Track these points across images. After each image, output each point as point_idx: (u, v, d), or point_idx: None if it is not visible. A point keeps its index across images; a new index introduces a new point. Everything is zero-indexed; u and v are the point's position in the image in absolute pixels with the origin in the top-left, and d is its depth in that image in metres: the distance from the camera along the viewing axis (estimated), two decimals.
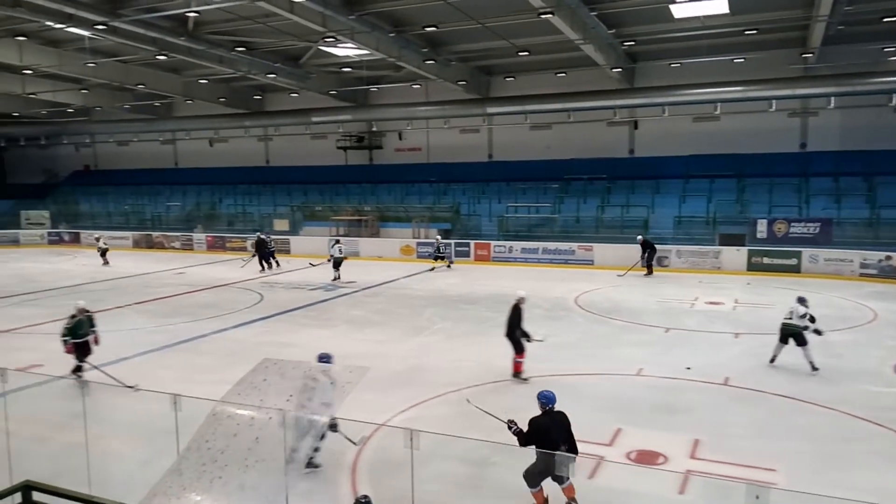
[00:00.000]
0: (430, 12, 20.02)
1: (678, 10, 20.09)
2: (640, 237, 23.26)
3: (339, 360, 7.91)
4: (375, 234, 29.98)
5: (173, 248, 32.90)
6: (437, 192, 32.19)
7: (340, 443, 8.01)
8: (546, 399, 6.98)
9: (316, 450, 7.35)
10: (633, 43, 23.64)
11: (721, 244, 24.01)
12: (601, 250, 24.97)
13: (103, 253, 27.95)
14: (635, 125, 29.43)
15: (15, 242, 36.87)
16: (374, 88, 30.96)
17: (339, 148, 35.00)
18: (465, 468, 7.73)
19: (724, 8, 19.76)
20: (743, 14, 20.54)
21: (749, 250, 23.19)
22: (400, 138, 34.18)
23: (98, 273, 25.21)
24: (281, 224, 32.32)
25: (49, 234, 37.52)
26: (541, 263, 25.47)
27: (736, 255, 23.25)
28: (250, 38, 23.04)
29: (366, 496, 5.02)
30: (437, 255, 25.49)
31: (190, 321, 16.14)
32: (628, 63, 26.77)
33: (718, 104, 24.37)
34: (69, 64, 25.33)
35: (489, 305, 17.73)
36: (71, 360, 10.85)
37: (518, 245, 26.45)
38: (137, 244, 34.21)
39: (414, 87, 29.30)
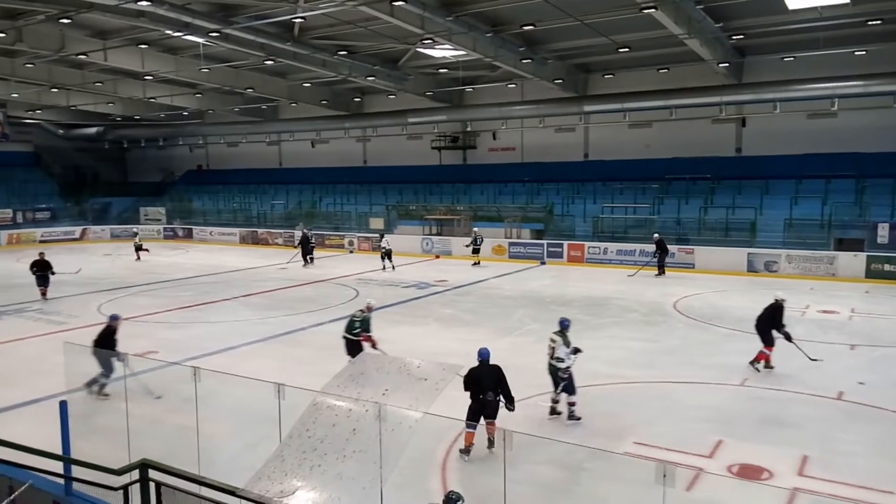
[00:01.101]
0: (527, 11, 19.87)
1: (793, 1, 18.92)
2: (656, 235, 23.31)
3: (429, 357, 7.99)
4: (468, 234, 30.10)
5: (276, 244, 34.39)
6: (531, 191, 31.94)
7: (430, 439, 8.11)
8: (481, 355, 8.57)
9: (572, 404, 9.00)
10: (741, 36, 22.50)
11: (837, 249, 22.46)
12: (703, 254, 23.94)
13: (138, 248, 29.57)
14: (743, 122, 27.98)
15: (134, 236, 39.74)
16: (469, 89, 31.10)
17: (433, 148, 35.41)
18: (556, 472, 7.62)
19: None
20: (865, 3, 19.09)
21: (868, 256, 21.56)
22: (494, 138, 34.18)
23: (209, 266, 26.72)
24: (376, 223, 33.07)
25: (165, 229, 40.19)
26: (637, 266, 24.72)
27: (853, 261, 21.67)
28: (352, 41, 23.72)
29: (457, 492, 5.05)
30: (475, 249, 26.39)
31: (290, 314, 16.83)
32: (736, 57, 25.50)
33: (836, 100, 22.81)
34: (185, 70, 27.01)
35: (582, 308, 17.42)
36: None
37: (613, 246, 25.80)
38: (244, 240, 36.03)
39: (509, 86, 29.21)
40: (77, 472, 5.25)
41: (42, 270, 19.09)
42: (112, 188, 46.03)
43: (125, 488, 4.40)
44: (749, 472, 7.61)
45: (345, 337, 11.01)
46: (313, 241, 27.64)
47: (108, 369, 9.78)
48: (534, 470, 7.43)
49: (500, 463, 5.01)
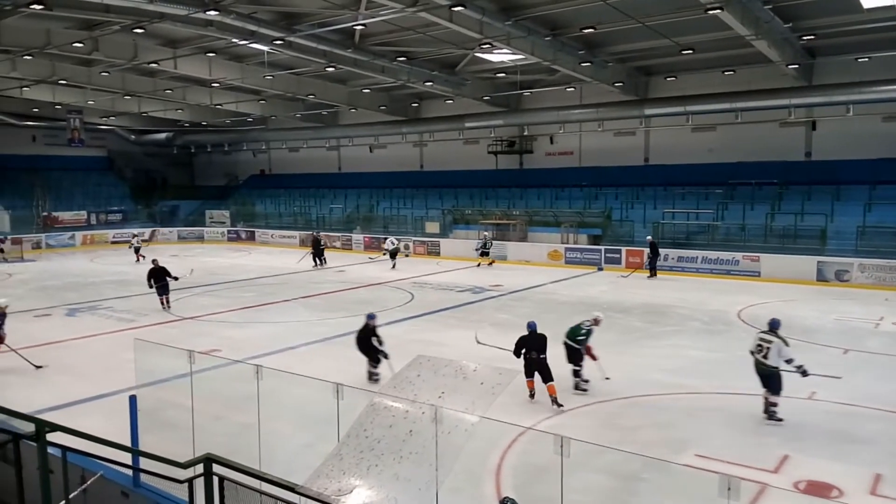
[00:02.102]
0: (587, 14, 19.66)
1: (868, 0, 18.12)
2: (649, 238, 23.99)
3: (484, 362, 7.97)
4: (523, 239, 29.94)
5: (334, 247, 34.97)
6: (588, 196, 31.51)
7: (485, 444, 8.09)
8: (529, 326, 10.64)
9: None
10: (812, 37, 21.65)
11: None
12: (770, 261, 23.10)
13: (136, 250, 30.08)
14: (813, 126, 26.90)
15: (200, 239, 41.21)
16: (527, 93, 30.96)
17: (490, 153, 35.38)
18: (613, 481, 7.48)
19: None
20: None
21: None
22: (551, 142, 33.91)
23: (270, 268, 27.40)
24: (432, 227, 33.27)
25: (228, 231, 41.46)
26: (699, 273, 24.07)
27: None
28: (410, 47, 23.98)
29: (512, 499, 5.01)
30: (484, 251, 27.29)
31: (348, 316, 17.06)
32: (806, 59, 24.55)
33: None
34: (250, 77, 27.83)
35: (640, 315, 17.07)
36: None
37: (674, 253, 25.17)
38: (303, 243, 36.77)
39: (568, 90, 28.93)
40: (144, 464, 5.45)
41: (160, 279, 17.97)
42: (180, 192, 47.83)
43: (190, 481, 4.54)
44: (817, 490, 7.30)
45: (566, 343, 10.93)
46: (324, 244, 28.93)
47: (375, 361, 11.26)
48: (590, 478, 7.31)
49: (555, 470, 4.94)
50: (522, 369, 9.97)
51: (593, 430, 9.09)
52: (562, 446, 4.60)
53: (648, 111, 28.04)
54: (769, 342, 9.55)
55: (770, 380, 9.50)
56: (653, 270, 23.59)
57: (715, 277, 23.40)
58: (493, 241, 28.88)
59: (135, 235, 32.49)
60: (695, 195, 28.36)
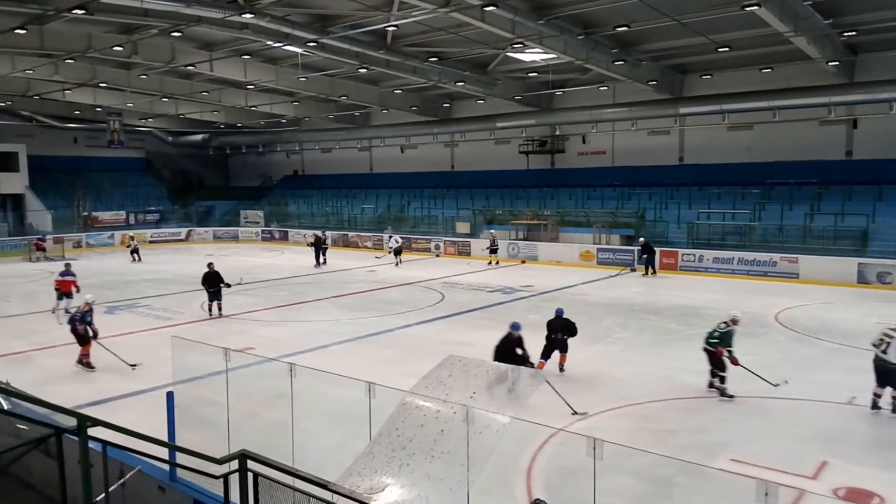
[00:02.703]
0: (621, 12, 19.45)
1: None
2: (642, 238, 24.81)
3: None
4: (555, 239, 29.75)
5: (366, 247, 35.22)
6: (621, 196, 31.17)
7: (516, 445, 8.06)
8: (557, 311, 12.13)
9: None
10: (853, 33, 21.09)
11: None
12: (809, 263, 22.55)
13: (134, 251, 30.47)
14: (854, 124, 26.20)
15: (235, 238, 41.86)
16: (559, 92, 30.76)
17: (521, 152, 35.24)
18: (646, 485, 7.38)
19: None
20: None
21: None
22: (584, 142, 33.63)
23: (302, 267, 27.69)
24: (462, 227, 33.27)
25: (262, 231, 42.03)
26: (735, 275, 23.62)
27: None
28: (442, 48, 24.02)
29: (543, 500, 4.99)
30: (492, 249, 28.26)
31: (378, 316, 17.18)
32: (847, 55, 23.93)
33: None
34: (284, 79, 28.19)
35: (674, 317, 16.83)
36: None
37: (709, 254, 24.75)
38: (335, 243, 37.07)
39: (601, 88, 28.67)
40: (180, 459, 5.55)
41: (214, 285, 17.17)
42: (215, 192, 48.69)
43: (225, 477, 4.61)
44: (858, 497, 7.11)
45: (705, 349, 10.71)
46: (326, 243, 29.32)
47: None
48: (622, 481, 7.23)
49: (587, 472, 4.90)
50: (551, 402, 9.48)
51: (626, 432, 8.99)
52: (594, 448, 4.55)
53: (683, 110, 27.65)
54: (891, 336, 9.38)
55: (889, 376, 9.34)
56: (651, 268, 24.25)
57: (751, 279, 22.94)
58: (522, 242, 28.98)
59: (132, 238, 32.90)
60: (731, 195, 27.85)
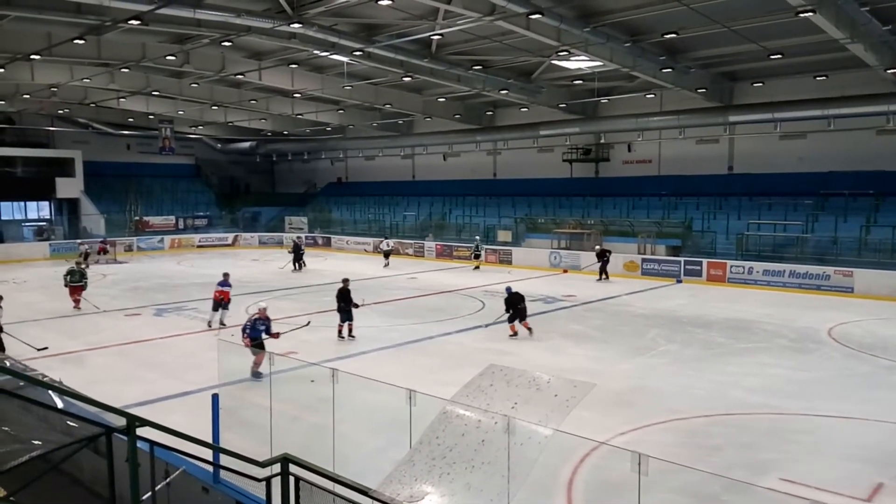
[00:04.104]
0: (669, 19, 19.15)
1: None
2: (597, 247, 26.27)
3: (555, 373, 7.83)
4: (594, 248, 29.33)
5: (407, 254, 35.35)
6: (668, 206, 30.60)
7: (557, 457, 7.93)
8: (508, 290, 15.32)
9: None
10: None
11: None
12: (864, 276, 21.72)
13: (85, 258, 28.63)
14: None
15: (279, 244, 42.52)
16: (604, 100, 30.45)
17: (564, 161, 34.97)
18: (691, 502, 7.18)
19: None
20: None
21: None
22: (629, 150, 33.18)
23: (345, 273, 27.86)
24: (504, 235, 33.12)
25: (306, 237, 42.60)
26: (786, 288, 22.91)
27: None
28: (486, 56, 24.03)
29: None
30: (476, 254, 29.39)
31: (419, 323, 17.19)
32: None
33: None
34: (330, 87, 28.60)
35: (722, 330, 16.40)
36: None
37: (759, 266, 24.07)
38: (377, 249, 37.35)
39: (647, 96, 28.27)
40: (224, 461, 5.62)
41: (347, 303, 15.29)
42: (261, 198, 49.68)
43: (267, 480, 4.65)
44: None
45: None
46: (303, 250, 30.25)
47: None
48: (667, 498, 7.05)
49: (630, 487, 4.78)
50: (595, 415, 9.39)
51: (671, 447, 8.78)
52: (640, 464, 4.44)
53: (733, 118, 27.05)
54: None
55: None
56: (603, 274, 25.41)
57: (804, 293, 22.23)
58: (564, 251, 28.86)
59: (112, 243, 33.55)
60: (782, 206, 27.05)
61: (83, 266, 19.80)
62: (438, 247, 34.54)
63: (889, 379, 12.21)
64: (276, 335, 12.13)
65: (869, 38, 19.29)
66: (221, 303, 16.53)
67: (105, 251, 32.76)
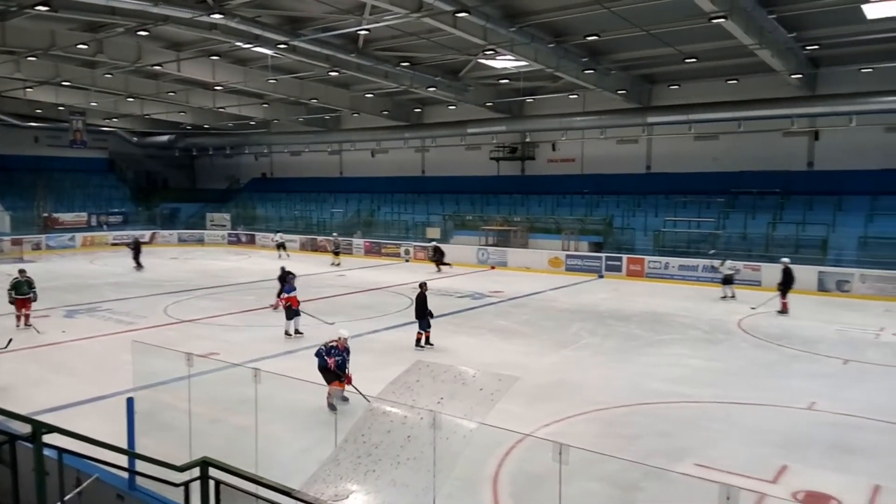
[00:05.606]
0: (592, 21, 19.69)
1: (871, 11, 18.14)
2: (433, 243, 29.03)
3: (482, 368, 7.94)
4: (524, 245, 29.91)
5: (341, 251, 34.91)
6: (590, 204, 31.51)
7: (483, 451, 8.05)
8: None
9: None
10: (816, 47, 21.69)
11: None
12: (771, 271, 22.94)
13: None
14: (816, 136, 26.92)
15: (200, 241, 41.19)
16: (529, 99, 31.00)
17: (491, 159, 35.42)
18: (612, 490, 7.43)
19: None
20: None
21: None
22: (553, 149, 33.93)
23: (270, 271, 27.30)
24: (432, 232, 33.22)
25: (229, 234, 41.44)
26: (700, 282, 24.02)
27: None
28: (414, 53, 24.00)
29: None
30: (433, 258, 29.13)
31: (347, 321, 17.01)
32: (810, 68, 24.60)
33: None
34: (253, 80, 27.88)
35: (640, 323, 17.02)
36: None
37: (675, 261, 25.15)
38: (303, 247, 36.78)
39: (571, 97, 28.96)
40: (140, 467, 5.42)
41: (424, 312, 13.95)
42: (180, 194, 47.89)
43: (186, 485, 4.51)
44: (816, 500, 7.25)
45: None
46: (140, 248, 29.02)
47: None
48: (589, 487, 7.27)
49: (554, 478, 4.90)
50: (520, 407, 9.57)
51: (594, 437, 9.05)
52: (560, 454, 4.56)
53: (651, 119, 28.06)
54: None
55: None
56: (438, 265, 27.61)
57: (716, 286, 23.30)
58: (492, 248, 29.23)
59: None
60: (696, 204, 28.36)
61: (27, 275, 16.37)
62: (367, 244, 34.31)
63: (794, 367, 12.99)
64: (349, 378, 9.96)
65: (776, 44, 20.44)
66: (291, 309, 14.96)
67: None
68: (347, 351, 10.00)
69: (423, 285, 14.47)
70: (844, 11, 18.52)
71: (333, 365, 9.76)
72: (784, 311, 18.37)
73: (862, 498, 7.31)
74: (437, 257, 28.25)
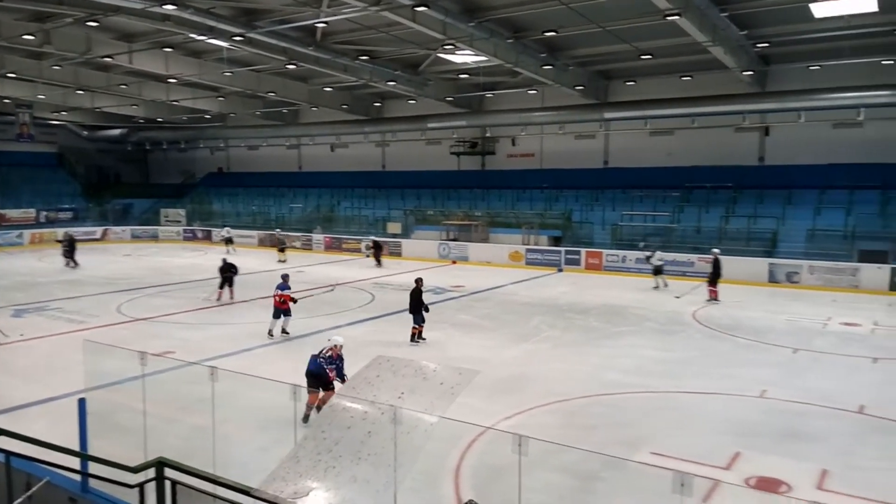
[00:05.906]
0: (549, 17, 19.87)
1: (819, 10, 18.72)
2: (372, 238, 29.34)
3: (444, 362, 7.96)
4: (485, 240, 30.07)
5: (294, 247, 34.52)
6: (549, 198, 31.84)
7: (444, 445, 8.08)
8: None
9: None
10: (766, 45, 22.28)
11: (860, 261, 22.07)
12: (723, 263, 23.57)
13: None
14: (766, 131, 27.71)
15: (154, 238, 40.26)
16: (489, 94, 31.11)
17: (452, 153, 35.46)
18: (572, 480, 7.54)
19: (872, 6, 18.19)
20: (894, 12, 18.82)
21: (893, 268, 21.18)
22: (513, 144, 34.15)
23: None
24: (393, 227, 33.15)
25: (184, 230, 40.57)
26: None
27: (877, 274, 21.30)
28: (373, 46, 23.84)
29: (474, 501, 4.99)
30: (372, 254, 29.06)
31: (307, 317, 16.85)
32: (760, 66, 25.27)
33: (862, 110, 22.52)
34: (208, 73, 27.33)
35: (599, 316, 17.30)
36: None
37: (632, 255, 25.61)
38: (262, 242, 36.25)
39: (530, 92, 29.18)
40: (93, 469, 5.28)
41: (417, 304, 14.04)
42: (133, 189, 46.65)
43: (141, 486, 4.42)
44: (767, 485, 7.48)
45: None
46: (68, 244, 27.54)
47: None
48: (548, 477, 7.36)
49: (514, 470, 4.95)
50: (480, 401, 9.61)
51: (552, 429, 9.16)
52: (520, 445, 4.61)
53: (608, 115, 28.46)
54: None
55: None
56: (378, 261, 27.77)
57: (671, 279, 23.80)
58: (453, 243, 29.26)
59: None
60: (652, 198, 28.91)
61: None
62: (327, 239, 34.02)
63: (746, 356, 13.37)
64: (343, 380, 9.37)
65: (728, 41, 20.93)
66: (282, 308, 14.65)
67: None
68: (341, 358, 9.52)
69: (418, 281, 14.46)
70: (793, 10, 19.07)
71: (334, 376, 9.29)
72: (714, 298, 18.99)
73: (810, 481, 7.58)
74: (376, 252, 28.14)
